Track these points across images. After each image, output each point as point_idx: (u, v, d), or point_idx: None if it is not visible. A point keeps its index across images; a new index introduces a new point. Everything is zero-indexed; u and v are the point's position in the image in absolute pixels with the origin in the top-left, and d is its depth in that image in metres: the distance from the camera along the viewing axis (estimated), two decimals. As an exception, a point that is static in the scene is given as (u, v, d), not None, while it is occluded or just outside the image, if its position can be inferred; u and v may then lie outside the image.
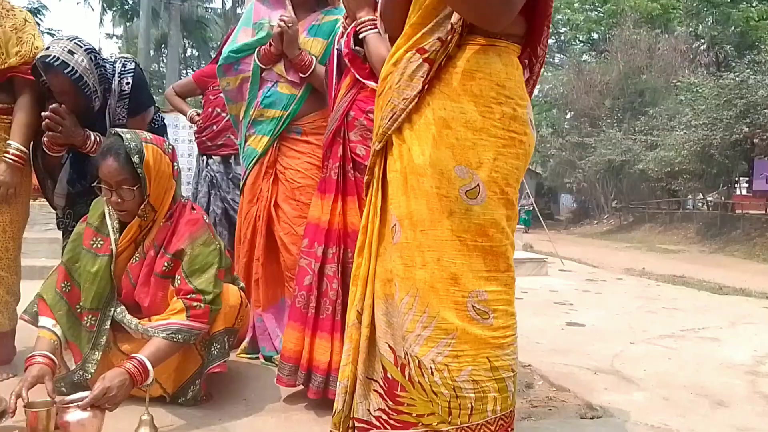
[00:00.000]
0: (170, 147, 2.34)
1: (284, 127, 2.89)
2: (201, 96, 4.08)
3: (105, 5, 24.07)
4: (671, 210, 21.66)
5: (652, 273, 9.27)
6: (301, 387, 2.39)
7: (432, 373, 1.58)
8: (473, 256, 1.60)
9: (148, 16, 11.84)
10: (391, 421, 1.67)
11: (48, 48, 2.48)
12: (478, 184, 1.60)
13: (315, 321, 2.35)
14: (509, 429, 1.66)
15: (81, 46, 2.52)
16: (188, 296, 2.19)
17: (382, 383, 1.70)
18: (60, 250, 4.85)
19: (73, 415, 1.86)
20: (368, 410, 1.73)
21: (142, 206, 2.22)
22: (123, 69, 2.65)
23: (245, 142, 2.98)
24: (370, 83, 2.31)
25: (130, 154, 2.17)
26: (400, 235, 1.66)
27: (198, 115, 3.97)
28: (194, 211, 2.37)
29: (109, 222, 2.28)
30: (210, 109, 3.85)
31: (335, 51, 2.50)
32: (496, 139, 1.61)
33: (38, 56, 2.47)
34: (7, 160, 2.52)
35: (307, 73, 2.82)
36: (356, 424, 1.74)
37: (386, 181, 1.75)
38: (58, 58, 2.42)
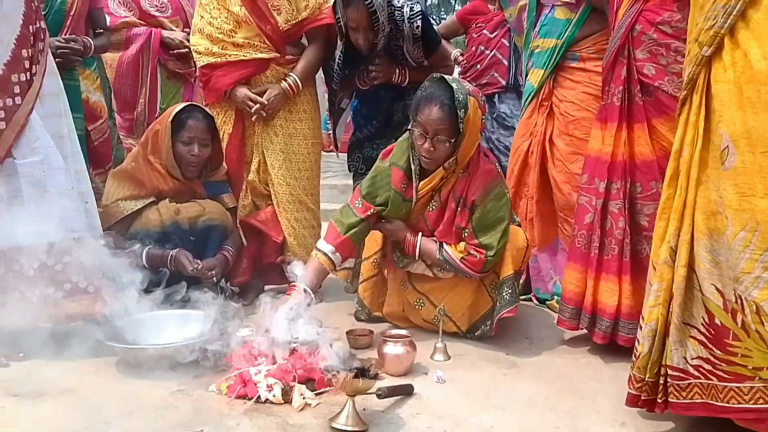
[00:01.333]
0: (483, 99, 2.31)
1: (560, 56, 2.69)
2: (464, 35, 4.04)
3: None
4: None
5: None
6: (584, 330, 2.28)
7: (775, 320, 1.33)
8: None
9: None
10: (718, 372, 1.47)
11: None
12: None
13: (599, 262, 2.19)
14: None
15: None
16: (473, 245, 2.22)
17: (704, 329, 1.50)
18: (337, 193, 5.44)
19: (390, 348, 2.01)
20: (684, 358, 1.55)
21: (451, 158, 2.20)
22: (411, 12, 2.70)
23: (526, 75, 2.87)
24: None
25: (457, 107, 2.12)
26: (735, 159, 1.40)
27: (462, 55, 3.95)
28: (487, 158, 2.32)
29: (412, 166, 2.30)
30: (474, 48, 3.81)
31: (619, -40, 2.21)
32: None
33: None
34: (283, 85, 2.76)
35: None
36: (669, 371, 1.57)
37: (710, 96, 1.48)
38: None
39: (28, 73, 2.08)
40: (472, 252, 2.22)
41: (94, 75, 2.96)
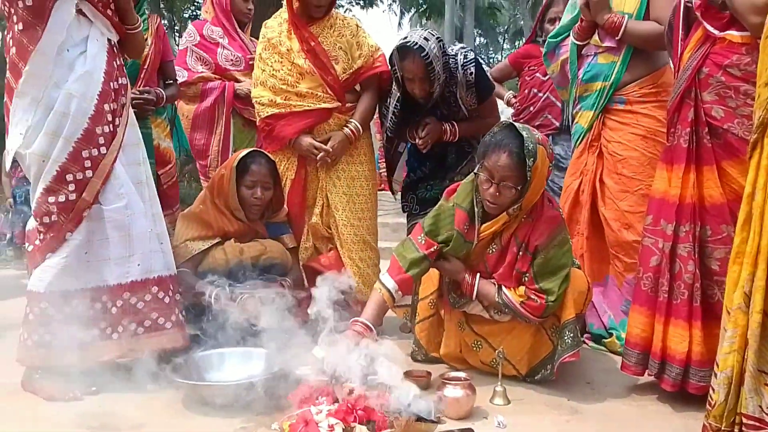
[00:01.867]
0: (551, 147, 2.32)
1: (608, 99, 2.75)
2: (517, 78, 4.07)
3: (404, 8, 26.28)
4: None
5: None
6: (650, 376, 2.21)
7: None
8: None
9: (452, 10, 12.64)
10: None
11: (406, 36, 2.73)
12: None
13: (668, 306, 2.13)
14: None
15: (433, 35, 2.72)
16: (533, 290, 2.21)
17: (783, 378, 1.44)
18: (389, 231, 5.48)
19: (450, 391, 2.00)
20: (760, 406, 1.49)
21: (516, 205, 2.19)
22: (465, 60, 2.77)
23: (572, 120, 2.91)
24: (731, 33, 2.00)
25: (527, 155, 2.12)
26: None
27: (515, 97, 3.98)
28: (551, 204, 2.31)
29: (475, 209, 2.30)
30: (526, 90, 3.83)
31: (681, 4, 2.22)
32: None
33: (398, 42, 2.73)
34: (345, 132, 2.85)
35: (619, 34, 2.63)
36: (744, 420, 1.51)
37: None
38: (417, 42, 2.64)
39: (111, 125, 2.24)
40: (532, 297, 2.20)
41: (165, 123, 3.14)
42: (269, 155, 2.79)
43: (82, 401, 2.12)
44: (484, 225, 2.28)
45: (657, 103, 2.67)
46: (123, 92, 2.32)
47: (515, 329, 2.32)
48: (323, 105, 2.80)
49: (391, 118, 2.89)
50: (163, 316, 2.27)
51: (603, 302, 2.85)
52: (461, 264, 2.34)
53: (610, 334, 2.77)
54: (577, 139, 2.89)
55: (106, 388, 2.19)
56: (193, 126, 3.34)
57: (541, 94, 3.75)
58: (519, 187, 2.14)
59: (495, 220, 2.25)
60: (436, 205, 2.40)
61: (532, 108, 3.82)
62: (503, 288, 2.26)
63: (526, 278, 2.23)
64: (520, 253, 2.24)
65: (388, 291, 2.25)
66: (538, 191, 2.22)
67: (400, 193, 3.18)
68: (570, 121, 3.22)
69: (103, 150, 2.19)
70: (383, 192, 4.09)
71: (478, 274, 2.31)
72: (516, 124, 2.21)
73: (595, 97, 2.77)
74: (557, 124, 3.74)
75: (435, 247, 2.31)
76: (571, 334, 2.20)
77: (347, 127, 2.85)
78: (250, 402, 2.03)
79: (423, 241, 2.32)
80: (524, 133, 2.14)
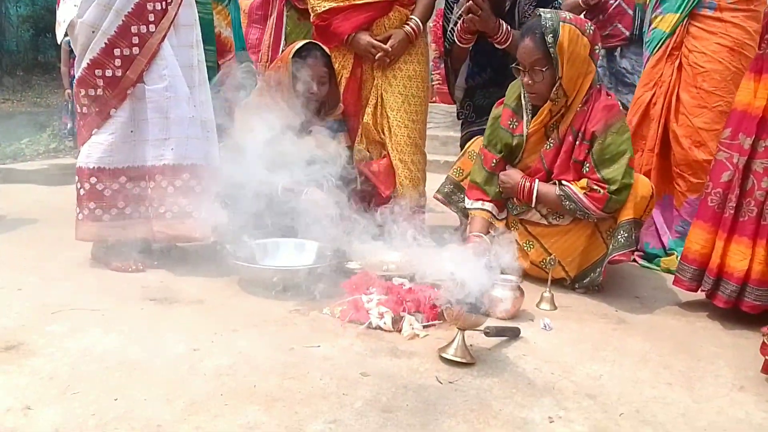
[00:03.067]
0: (591, 28, 2.21)
1: (696, 2, 2.55)
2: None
3: None
4: None
5: None
6: (702, 293, 2.18)
7: None
8: None
9: None
10: None
11: None
12: None
13: (733, 223, 2.07)
14: None
15: None
16: (594, 180, 2.17)
17: None
18: (438, 144, 5.40)
19: (499, 291, 2.01)
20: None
21: (554, 89, 2.18)
22: None
23: (650, 25, 2.73)
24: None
25: (545, 33, 2.13)
26: None
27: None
28: (609, 97, 2.25)
29: (523, 103, 2.31)
30: (597, -5, 3.60)
31: None
32: None
33: None
34: (406, 29, 2.75)
35: None
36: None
37: None
38: None
39: (163, 3, 2.20)
40: (594, 187, 2.17)
41: (226, 11, 3.08)
42: (325, 48, 2.72)
43: (145, 275, 2.24)
44: (533, 118, 2.27)
45: (749, 13, 2.48)
46: None
47: (570, 231, 2.30)
48: None
49: (452, 27, 2.77)
50: (191, 205, 2.25)
51: (663, 223, 2.79)
52: (517, 171, 2.31)
53: (670, 254, 2.72)
54: (655, 46, 2.71)
55: (167, 267, 2.31)
56: (249, 20, 3.27)
57: (612, 1, 3.52)
58: (546, 69, 2.15)
59: (540, 111, 2.24)
60: (490, 116, 2.39)
61: (601, 16, 3.61)
62: (563, 182, 2.22)
63: (587, 168, 2.20)
64: (577, 142, 2.21)
65: (483, 209, 2.39)
66: (580, 74, 2.18)
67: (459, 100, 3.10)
68: (641, 27, 3.03)
69: (152, 28, 2.17)
70: (433, 104, 4.01)
71: (536, 180, 2.27)
72: (542, 9, 2.19)
73: None
74: (627, 33, 3.54)
75: (495, 159, 2.36)
76: (626, 234, 2.17)
77: (408, 24, 2.75)
78: (304, 287, 2.11)
79: (482, 157, 2.39)
80: (545, 14, 2.13)
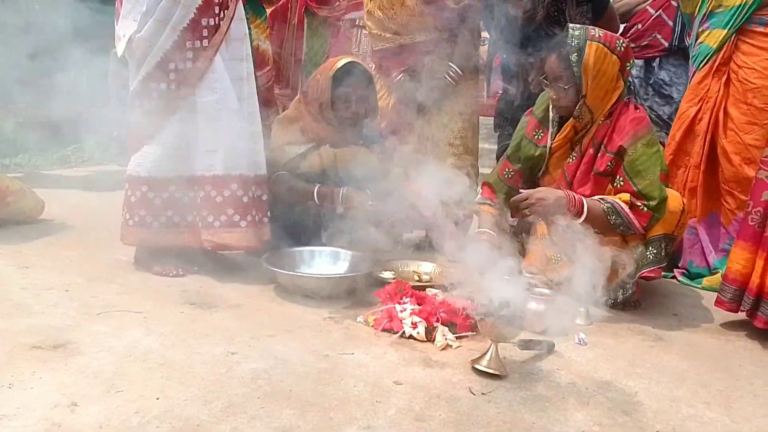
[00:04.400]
0: (623, 45, 2.20)
1: (746, 18, 2.50)
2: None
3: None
4: None
5: None
6: (742, 314, 2.14)
7: None
8: None
9: None
10: None
11: None
12: None
13: (773, 242, 2.03)
14: None
15: None
16: (634, 194, 2.15)
17: None
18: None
19: (534, 305, 2.00)
20: None
21: (578, 105, 2.19)
22: None
23: (697, 40, 2.69)
24: None
25: (570, 52, 2.14)
26: None
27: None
28: (638, 110, 2.24)
29: (551, 115, 2.33)
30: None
31: None
32: None
33: None
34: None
35: None
36: None
37: None
38: None
39: (216, 18, 2.26)
40: (638, 204, 2.14)
41: (264, 24, 3.14)
42: (366, 66, 2.74)
43: (185, 279, 2.30)
44: (559, 131, 2.30)
45: None
46: None
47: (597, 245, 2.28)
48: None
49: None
50: (238, 214, 2.28)
51: (709, 241, 2.73)
52: (551, 189, 2.28)
53: (714, 273, 2.67)
54: (702, 61, 2.67)
55: (205, 271, 2.37)
56: (271, 28, 3.32)
57: (652, 11, 3.49)
58: (569, 87, 2.17)
59: (565, 125, 2.27)
60: (518, 124, 2.43)
61: (640, 25, 3.57)
62: (604, 197, 2.18)
63: (621, 182, 2.18)
64: (598, 153, 2.21)
65: (490, 204, 2.45)
66: (607, 91, 2.18)
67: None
68: (680, 39, 2.99)
69: (205, 42, 2.23)
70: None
71: (583, 197, 2.18)
72: (574, 25, 2.20)
73: (732, 14, 2.52)
74: (666, 44, 3.49)
75: (510, 169, 2.45)
76: (654, 251, 2.15)
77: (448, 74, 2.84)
78: (339, 295, 2.15)
79: (500, 164, 2.50)
80: (574, 31, 2.15)
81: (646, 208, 2.13)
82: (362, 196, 2.47)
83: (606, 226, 2.16)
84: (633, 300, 2.26)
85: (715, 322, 2.26)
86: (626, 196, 2.16)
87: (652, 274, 2.16)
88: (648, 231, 2.17)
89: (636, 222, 2.14)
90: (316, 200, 2.53)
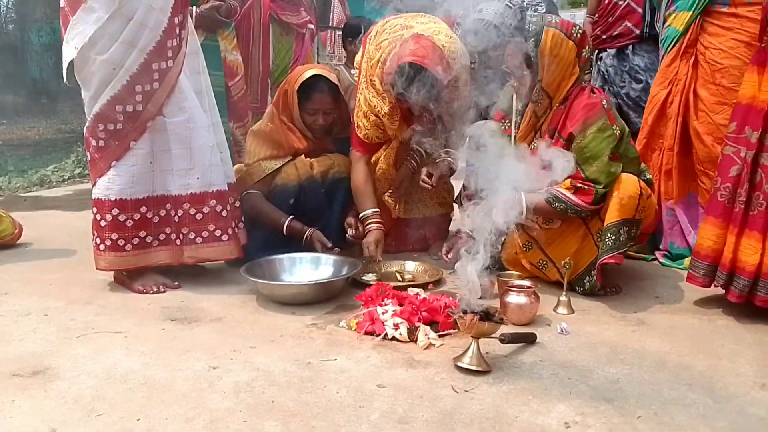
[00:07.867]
0: (579, 31, 2.23)
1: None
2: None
3: None
4: None
5: None
6: (717, 288, 2.16)
7: None
8: None
9: None
10: None
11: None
12: None
13: (743, 217, 2.06)
14: None
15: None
16: (580, 180, 2.18)
17: None
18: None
19: (514, 298, 2.03)
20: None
21: (535, 90, 2.24)
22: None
23: (664, 23, 2.71)
24: None
25: (527, 38, 2.20)
26: None
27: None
28: (594, 94, 2.24)
29: (513, 103, 2.37)
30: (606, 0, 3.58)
31: None
32: None
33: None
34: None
35: None
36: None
37: None
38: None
39: (178, 38, 2.25)
40: (579, 185, 2.17)
41: (231, 35, 3.14)
42: (331, 78, 2.64)
43: (166, 295, 2.29)
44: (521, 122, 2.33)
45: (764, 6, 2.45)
46: (188, 3, 2.33)
47: (564, 233, 2.31)
48: None
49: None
50: (219, 229, 2.31)
51: (687, 222, 2.75)
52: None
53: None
54: (669, 45, 2.69)
55: (186, 286, 2.36)
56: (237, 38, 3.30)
57: (620, 2, 3.50)
58: (527, 72, 2.21)
59: (525, 112, 2.30)
60: None
61: (610, 18, 3.58)
62: (550, 188, 2.20)
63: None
64: (551, 140, 2.23)
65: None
66: (562, 76, 2.22)
67: None
68: (653, 27, 3.01)
69: (170, 63, 2.22)
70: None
71: (522, 192, 2.18)
72: (535, 13, 2.29)
73: None
74: (637, 32, 3.50)
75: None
76: (613, 237, 2.14)
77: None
78: (320, 301, 2.15)
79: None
80: (532, 18, 2.22)
81: (588, 188, 2.17)
82: (324, 240, 2.50)
83: (554, 213, 2.22)
84: (596, 288, 2.26)
85: (695, 302, 2.28)
86: (568, 182, 2.19)
87: (613, 261, 2.15)
88: (600, 207, 2.20)
89: (580, 201, 2.17)
90: (284, 233, 2.53)
